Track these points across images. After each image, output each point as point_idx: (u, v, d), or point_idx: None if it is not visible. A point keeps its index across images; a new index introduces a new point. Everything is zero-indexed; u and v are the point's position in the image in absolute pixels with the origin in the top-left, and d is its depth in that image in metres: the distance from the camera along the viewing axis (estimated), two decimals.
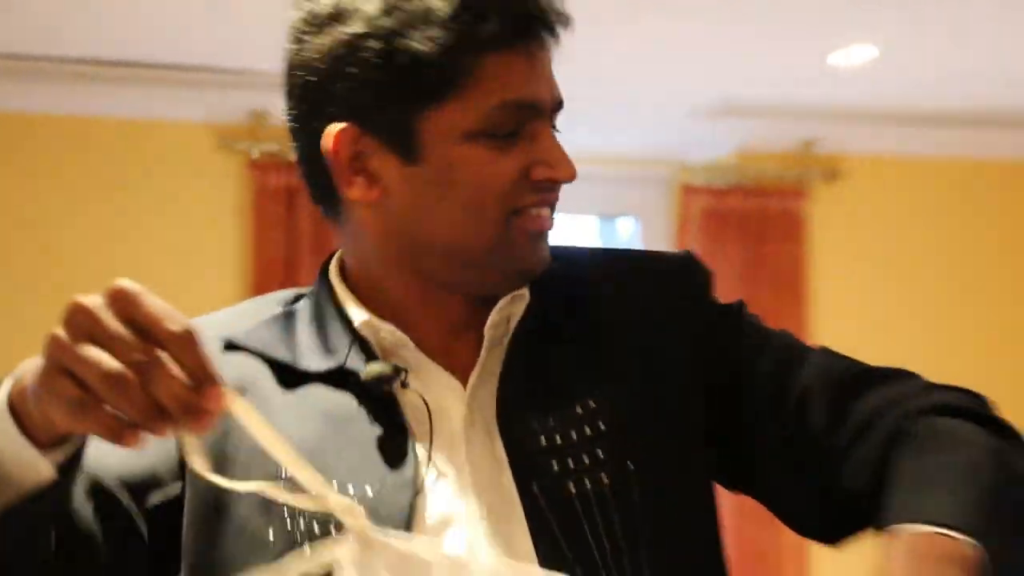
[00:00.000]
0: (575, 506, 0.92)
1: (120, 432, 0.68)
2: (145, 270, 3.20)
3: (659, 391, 1.00)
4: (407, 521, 0.93)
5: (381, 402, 0.96)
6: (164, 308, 0.67)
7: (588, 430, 0.96)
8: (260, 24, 2.23)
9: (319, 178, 0.99)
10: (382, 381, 0.95)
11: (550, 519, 0.92)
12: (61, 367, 0.67)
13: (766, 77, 3.23)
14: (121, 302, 0.66)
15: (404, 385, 0.95)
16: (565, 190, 1.02)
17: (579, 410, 0.96)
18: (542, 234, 0.99)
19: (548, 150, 0.95)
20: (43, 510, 0.81)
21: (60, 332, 0.67)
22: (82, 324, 0.66)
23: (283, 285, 3.25)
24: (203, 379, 0.66)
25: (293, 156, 1.02)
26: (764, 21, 2.83)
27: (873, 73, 3.44)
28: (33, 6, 2.85)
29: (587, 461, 0.94)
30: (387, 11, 0.92)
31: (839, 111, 3.83)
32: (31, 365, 0.72)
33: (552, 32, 0.93)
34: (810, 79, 3.46)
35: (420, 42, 0.92)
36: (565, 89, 0.96)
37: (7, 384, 0.76)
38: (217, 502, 0.91)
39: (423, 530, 0.96)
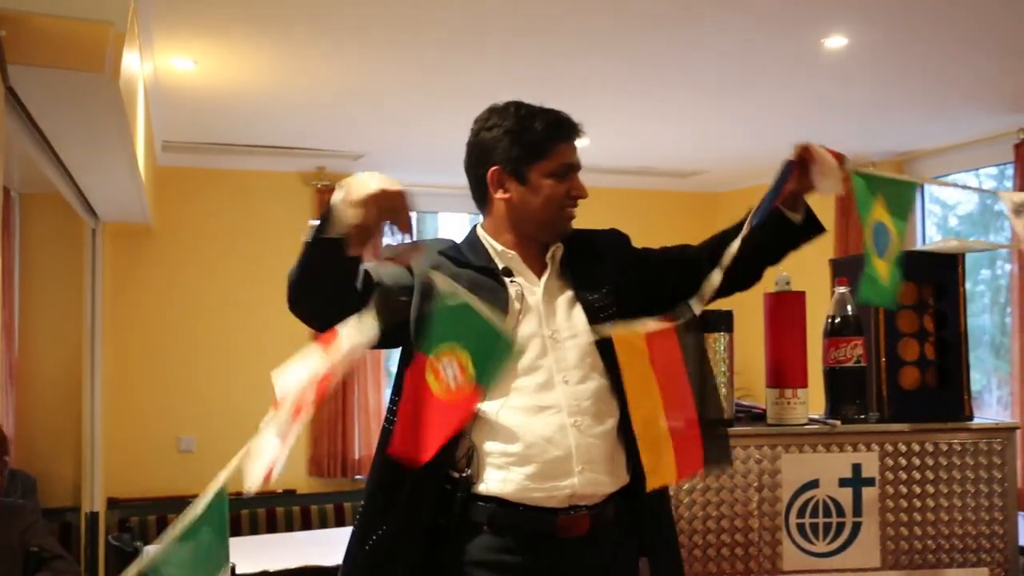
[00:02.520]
0: (604, 322, 1.81)
1: (366, 238, 1.58)
2: (262, 243, 5.76)
3: (629, 282, 1.94)
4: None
5: (499, 280, 1.87)
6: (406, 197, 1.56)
7: (607, 299, 1.89)
8: (321, 127, 5.06)
9: (480, 190, 1.95)
10: (503, 272, 1.88)
11: (598, 326, 1.83)
12: (369, 199, 1.55)
13: None
14: (392, 190, 1.56)
15: (508, 275, 1.88)
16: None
17: (604, 291, 1.91)
18: (572, 219, 1.95)
19: (579, 184, 1.92)
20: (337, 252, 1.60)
21: (375, 190, 1.54)
22: (380, 195, 1.55)
23: None
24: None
25: (470, 178, 1.95)
26: None
27: (595, 150, 4.91)
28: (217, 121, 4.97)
29: (610, 309, 1.87)
30: (517, 121, 1.88)
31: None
32: (339, 195, 1.58)
33: (579, 135, 1.92)
34: None
35: (533, 134, 1.87)
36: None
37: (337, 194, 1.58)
38: (423, 306, 1.72)
39: (520, 324, 1.83)
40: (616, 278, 1.94)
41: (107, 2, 1.89)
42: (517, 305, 1.85)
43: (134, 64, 2.94)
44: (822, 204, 1.94)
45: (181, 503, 4.98)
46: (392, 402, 1.89)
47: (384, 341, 1.88)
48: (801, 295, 2.33)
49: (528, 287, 1.90)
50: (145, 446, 5.72)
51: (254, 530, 5.21)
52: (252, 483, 1.31)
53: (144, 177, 4.01)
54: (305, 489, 5.88)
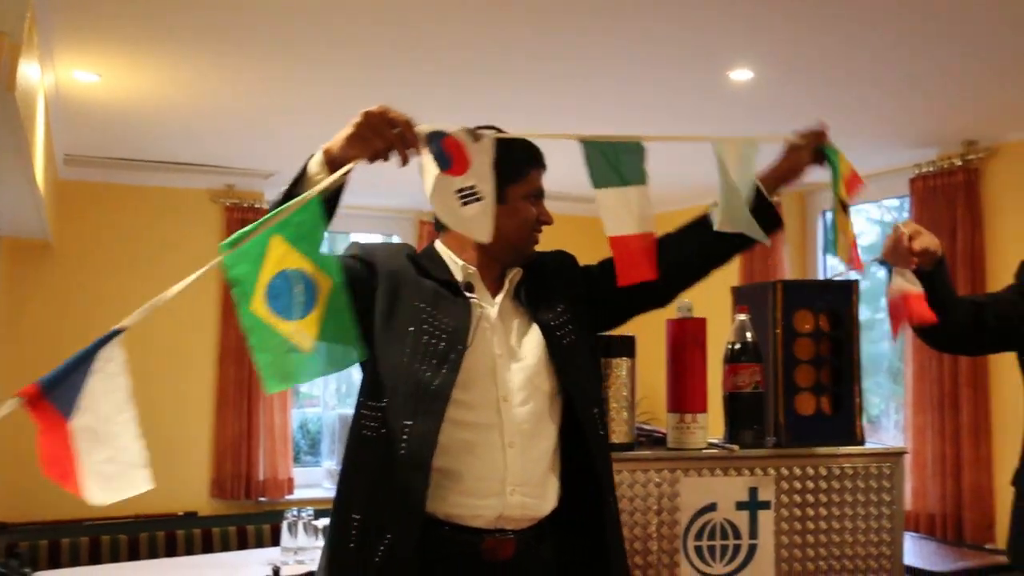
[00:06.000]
0: (562, 341, 1.93)
1: (382, 154, 1.64)
2: (168, 261, 5.61)
3: (582, 299, 2.03)
4: (466, 335, 1.84)
5: (461, 294, 1.90)
6: (401, 113, 1.61)
7: (562, 317, 1.96)
8: (231, 144, 5.12)
9: None
10: (463, 286, 1.91)
11: (557, 346, 1.92)
12: (368, 124, 1.61)
13: None
14: (388, 110, 1.61)
15: (469, 290, 1.91)
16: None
17: (559, 309, 1.97)
18: (536, 243, 2.01)
19: (546, 211, 2.00)
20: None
21: (370, 111, 1.61)
22: (378, 110, 1.61)
23: None
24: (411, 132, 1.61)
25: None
26: None
27: None
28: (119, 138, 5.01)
29: (567, 328, 1.94)
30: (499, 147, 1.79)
31: None
32: (337, 136, 1.63)
33: (544, 165, 2.00)
34: None
35: (512, 158, 1.89)
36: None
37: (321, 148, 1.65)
38: (392, 294, 1.86)
39: (475, 340, 1.86)
40: (569, 297, 2.00)
41: (2, 13, 1.84)
42: (475, 321, 1.87)
43: (33, 75, 2.87)
44: None
45: (76, 528, 4.88)
46: (364, 406, 1.87)
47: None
48: (702, 321, 2.37)
49: (485, 306, 1.93)
50: (38, 467, 5.50)
51: (153, 553, 5.05)
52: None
53: (43, 191, 3.91)
54: (207, 511, 5.75)
